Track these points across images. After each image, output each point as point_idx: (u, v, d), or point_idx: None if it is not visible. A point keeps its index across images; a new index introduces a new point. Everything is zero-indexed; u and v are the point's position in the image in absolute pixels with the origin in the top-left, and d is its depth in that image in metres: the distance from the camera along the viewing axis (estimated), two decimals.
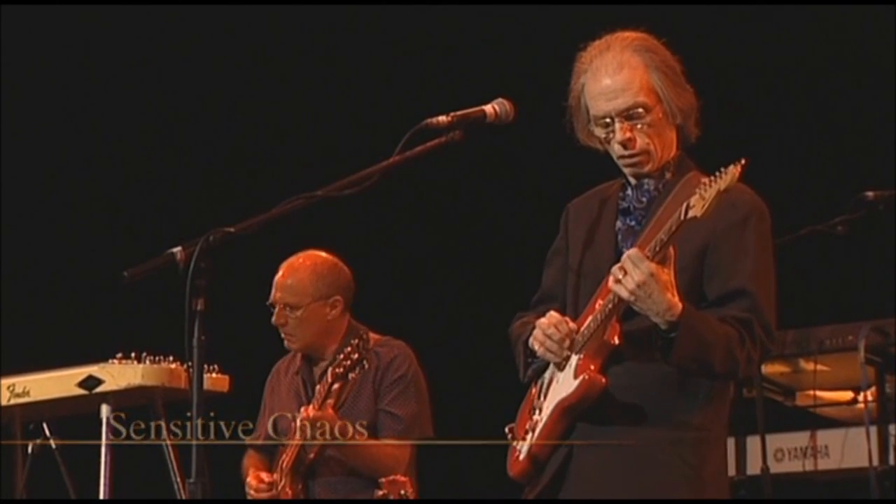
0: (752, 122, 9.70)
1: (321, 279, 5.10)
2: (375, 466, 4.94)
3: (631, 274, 3.27)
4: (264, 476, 5.02)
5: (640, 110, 3.49)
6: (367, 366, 4.90)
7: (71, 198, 10.94)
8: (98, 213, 9.71)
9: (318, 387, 4.95)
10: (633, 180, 3.60)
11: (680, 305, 3.29)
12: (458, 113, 3.70)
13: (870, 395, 5.46)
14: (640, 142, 3.51)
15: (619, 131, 3.51)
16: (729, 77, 9.64)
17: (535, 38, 8.60)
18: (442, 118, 3.68)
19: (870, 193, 5.23)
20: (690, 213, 3.26)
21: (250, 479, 5.05)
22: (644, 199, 3.57)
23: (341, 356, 4.87)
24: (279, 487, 5.00)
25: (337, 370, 4.87)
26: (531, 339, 3.55)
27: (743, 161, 3.29)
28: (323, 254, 5.23)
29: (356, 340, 4.88)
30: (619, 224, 3.60)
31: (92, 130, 12.51)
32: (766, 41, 9.13)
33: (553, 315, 3.51)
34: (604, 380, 3.42)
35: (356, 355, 4.84)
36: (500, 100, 3.76)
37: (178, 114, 11.75)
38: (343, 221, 7.06)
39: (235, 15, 12.58)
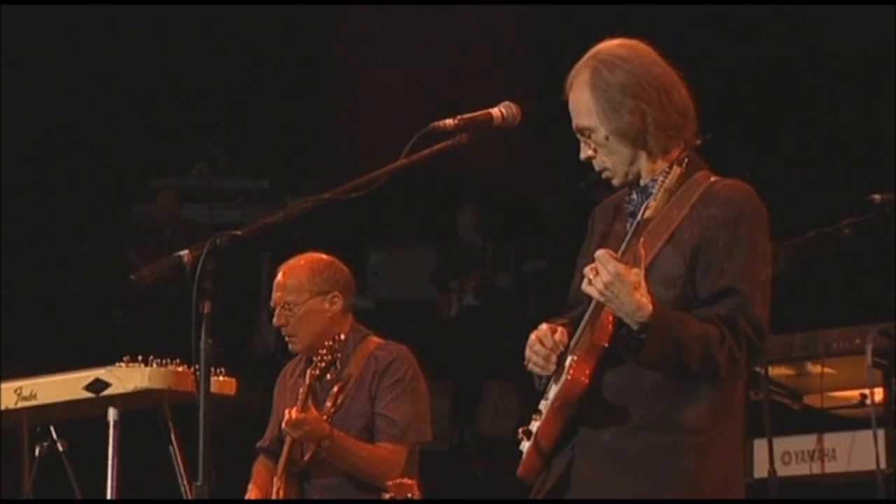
0: (757, 123, 9.71)
1: (318, 275, 5.13)
2: (367, 470, 4.95)
3: (600, 274, 3.29)
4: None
5: (586, 132, 3.55)
6: (339, 367, 4.92)
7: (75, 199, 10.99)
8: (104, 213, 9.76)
9: (300, 389, 4.97)
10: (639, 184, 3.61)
11: (650, 306, 3.29)
12: (465, 116, 3.71)
13: (877, 397, 5.45)
14: (598, 160, 3.56)
15: (581, 149, 3.57)
16: (733, 81, 9.66)
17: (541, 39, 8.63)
18: (448, 121, 3.69)
19: (877, 196, 5.23)
20: (647, 214, 3.31)
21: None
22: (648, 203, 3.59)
23: (317, 358, 4.90)
24: (276, 488, 5.01)
25: (314, 372, 4.90)
26: None
27: (686, 160, 3.36)
28: (321, 255, 5.27)
29: (330, 342, 4.90)
30: (627, 227, 3.61)
31: (99, 133, 12.56)
32: (774, 45, 9.15)
33: (541, 328, 3.53)
34: (586, 381, 3.41)
35: (329, 357, 4.87)
36: (506, 103, 3.76)
37: (182, 114, 11.79)
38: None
39: (243, 16, 12.62)
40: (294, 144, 13.21)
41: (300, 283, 5.12)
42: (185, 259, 3.62)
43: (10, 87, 12.07)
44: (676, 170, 3.33)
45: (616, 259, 3.30)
